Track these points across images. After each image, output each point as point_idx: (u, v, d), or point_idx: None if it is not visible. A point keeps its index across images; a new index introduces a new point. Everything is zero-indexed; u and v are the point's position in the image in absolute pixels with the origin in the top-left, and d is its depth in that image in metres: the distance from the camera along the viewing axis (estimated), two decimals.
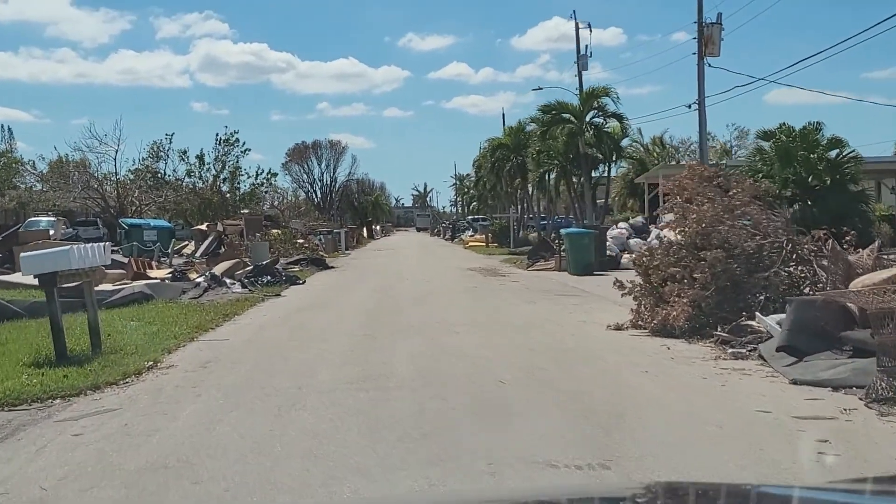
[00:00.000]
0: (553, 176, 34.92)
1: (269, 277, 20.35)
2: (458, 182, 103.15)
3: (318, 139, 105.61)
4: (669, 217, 26.77)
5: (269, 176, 59.34)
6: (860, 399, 6.52)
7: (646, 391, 7.17)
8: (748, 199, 10.92)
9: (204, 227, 38.22)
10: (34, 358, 9.27)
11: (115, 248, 31.05)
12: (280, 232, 35.70)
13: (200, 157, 52.79)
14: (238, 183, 55.29)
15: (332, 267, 28.86)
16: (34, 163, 49.26)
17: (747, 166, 24.56)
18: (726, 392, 7.12)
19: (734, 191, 11.08)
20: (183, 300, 16.44)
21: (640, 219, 28.78)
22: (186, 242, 36.70)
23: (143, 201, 47.98)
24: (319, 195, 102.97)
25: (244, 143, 54.09)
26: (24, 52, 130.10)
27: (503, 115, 61.79)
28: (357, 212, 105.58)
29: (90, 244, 10.67)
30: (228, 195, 54.13)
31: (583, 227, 26.28)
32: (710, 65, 29.08)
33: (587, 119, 30.92)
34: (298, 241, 35.08)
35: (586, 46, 39.24)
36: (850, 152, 24.82)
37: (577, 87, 36.90)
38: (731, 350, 8.91)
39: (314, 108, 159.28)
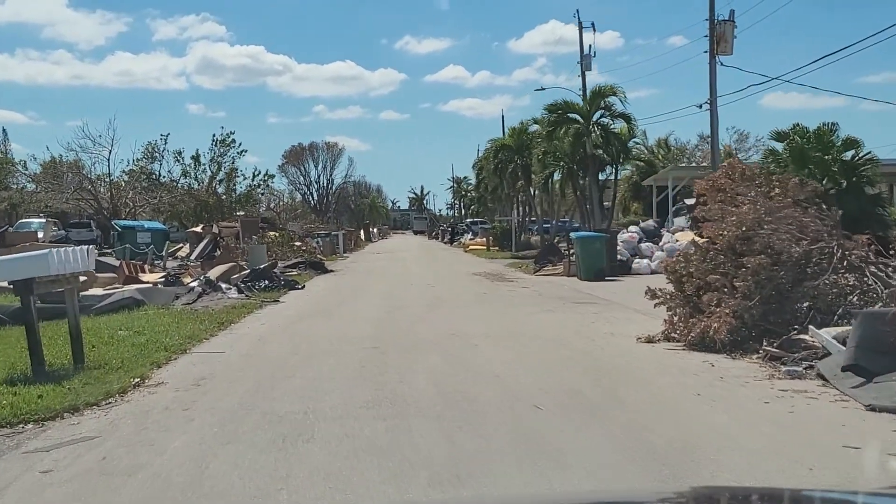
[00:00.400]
0: (558, 177, 33.97)
1: (266, 282, 19.46)
2: (455, 185, 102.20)
3: (314, 141, 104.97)
4: (682, 221, 25.49)
5: (267, 177, 58.64)
6: None
7: (707, 420, 6.23)
8: (791, 200, 10.00)
9: (199, 229, 37.40)
10: (8, 373, 8.40)
11: (108, 251, 30.40)
12: (277, 234, 34.75)
13: (196, 158, 52.02)
14: (234, 184, 54.50)
15: (332, 271, 27.91)
16: (25, 163, 48.16)
17: (759, 168, 23.69)
18: (798, 420, 6.20)
19: (776, 190, 10.17)
20: (176, 306, 15.56)
21: (651, 222, 27.81)
22: (181, 245, 35.92)
23: (137, 203, 47.14)
24: (316, 197, 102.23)
25: (240, 145, 53.37)
26: (20, 53, 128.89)
27: (503, 116, 61.09)
28: (354, 214, 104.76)
29: (72, 247, 9.72)
30: (224, 197, 53.28)
31: (592, 230, 25.35)
32: (722, 63, 28.21)
33: (594, 119, 29.98)
34: (296, 243, 34.17)
35: (590, 46, 38.47)
36: (866, 154, 23.96)
37: (578, 88, 36.18)
38: (785, 368, 7.98)
39: (310, 111, 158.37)
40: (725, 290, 9.45)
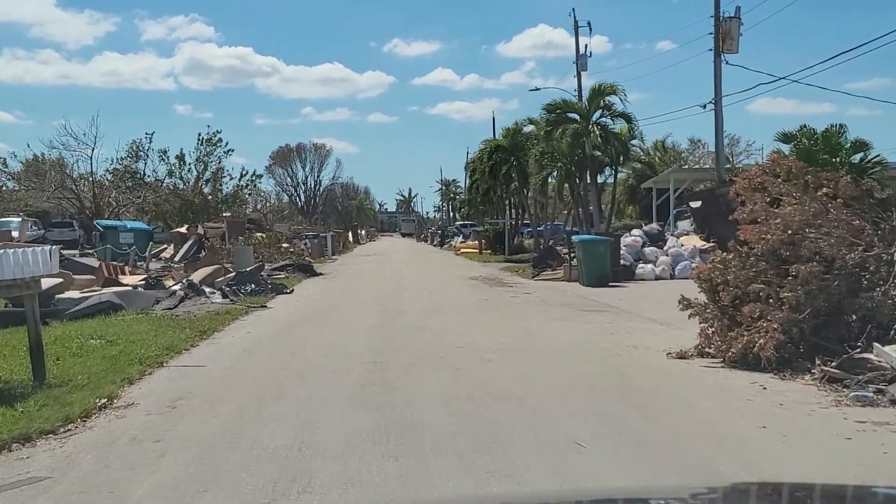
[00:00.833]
0: (555, 179, 32.89)
1: (252, 286, 18.33)
2: (444, 187, 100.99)
3: (302, 142, 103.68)
4: (686, 224, 24.20)
5: (254, 177, 57.51)
6: None
7: (785, 463, 5.16)
8: (842, 201, 8.97)
9: (184, 229, 36.35)
10: None
11: (90, 251, 29.19)
12: (264, 236, 33.57)
13: (181, 157, 50.81)
14: (221, 184, 53.33)
15: (321, 274, 26.77)
16: (5, 161, 46.74)
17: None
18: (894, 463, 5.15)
19: (823, 189, 9.14)
20: (156, 311, 14.48)
21: (654, 225, 26.81)
22: (165, 246, 34.82)
23: (120, 202, 45.92)
24: (303, 199, 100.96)
25: (227, 144, 52.20)
26: (7, 52, 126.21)
27: (493, 118, 59.53)
28: (341, 216, 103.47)
29: (32, 248, 8.58)
30: (210, 197, 52.09)
31: (593, 233, 24.31)
32: (727, 62, 27.25)
33: (593, 119, 28.91)
34: (283, 245, 33.01)
35: (586, 46, 37.40)
36: (875, 156, 23.17)
37: (573, 90, 35.30)
38: (851, 393, 6.94)
39: (298, 113, 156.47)
40: (770, 300, 8.41)
